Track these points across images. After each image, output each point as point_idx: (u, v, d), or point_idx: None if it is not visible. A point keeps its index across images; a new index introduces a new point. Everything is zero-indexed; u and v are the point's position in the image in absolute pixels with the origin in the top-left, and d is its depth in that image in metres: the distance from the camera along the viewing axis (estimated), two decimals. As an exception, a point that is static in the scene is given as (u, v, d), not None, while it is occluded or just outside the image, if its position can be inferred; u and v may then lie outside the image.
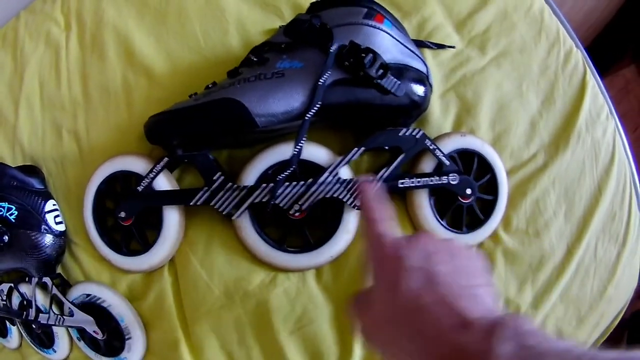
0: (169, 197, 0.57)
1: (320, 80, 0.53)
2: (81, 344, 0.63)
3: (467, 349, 0.32)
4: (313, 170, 0.56)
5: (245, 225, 0.56)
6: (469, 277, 0.38)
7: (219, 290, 0.58)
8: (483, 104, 0.64)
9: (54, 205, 0.62)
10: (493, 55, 0.66)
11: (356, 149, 0.56)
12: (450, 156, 0.59)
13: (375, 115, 0.56)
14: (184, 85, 0.61)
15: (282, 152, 0.56)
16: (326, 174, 0.55)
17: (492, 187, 0.61)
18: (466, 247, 0.42)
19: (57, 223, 0.61)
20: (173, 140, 0.56)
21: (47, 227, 0.60)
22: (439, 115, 0.62)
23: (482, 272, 0.40)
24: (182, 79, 0.62)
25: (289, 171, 0.55)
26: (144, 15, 0.65)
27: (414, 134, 0.57)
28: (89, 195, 0.60)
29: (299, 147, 0.55)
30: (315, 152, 0.57)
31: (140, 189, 0.57)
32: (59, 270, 0.63)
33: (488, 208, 0.61)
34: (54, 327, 0.62)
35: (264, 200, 0.55)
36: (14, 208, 0.60)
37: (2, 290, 0.65)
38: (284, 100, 0.53)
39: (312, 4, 0.58)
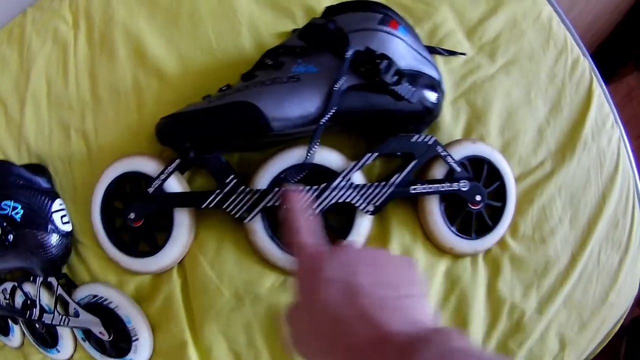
0: (180, 200, 0.56)
1: (336, 85, 0.53)
2: (86, 345, 0.62)
3: None
4: (326, 174, 0.56)
5: (257, 229, 0.56)
6: (395, 288, 0.37)
7: (229, 293, 0.58)
8: (493, 111, 0.64)
9: (60, 204, 0.61)
10: (502, 63, 0.66)
11: (369, 154, 0.56)
12: (460, 163, 0.59)
13: (389, 121, 0.56)
14: (196, 86, 0.61)
15: (296, 156, 0.56)
16: (339, 179, 0.55)
17: (500, 194, 0.62)
18: (397, 256, 0.41)
19: (63, 223, 0.61)
20: (185, 142, 0.56)
21: (53, 227, 0.60)
22: (450, 122, 0.63)
23: (411, 282, 0.39)
24: (193, 80, 0.62)
25: (302, 175, 0.55)
26: (155, 16, 0.64)
27: (426, 140, 0.57)
28: (97, 195, 0.59)
29: (313, 150, 0.54)
30: (328, 157, 0.57)
31: (151, 190, 0.56)
32: (64, 270, 0.63)
33: (496, 214, 0.62)
34: (58, 327, 0.62)
35: (276, 204, 0.55)
36: (19, 207, 0.59)
37: (5, 289, 0.64)
38: (299, 105, 0.53)
39: (327, 8, 0.58)
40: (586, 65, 0.69)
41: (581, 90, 0.68)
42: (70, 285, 0.62)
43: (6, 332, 0.66)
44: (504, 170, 0.62)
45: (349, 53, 0.53)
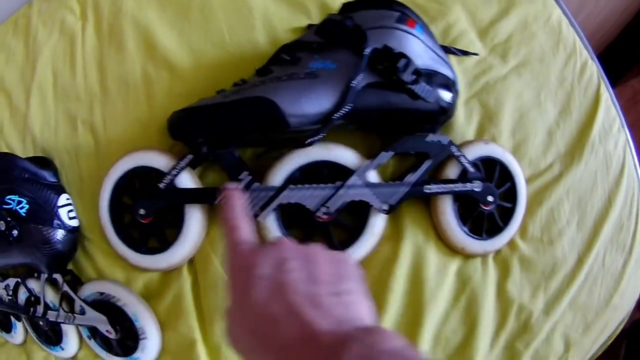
0: (192, 196, 0.55)
1: (353, 82, 0.52)
2: (92, 343, 0.61)
3: None
4: (340, 172, 0.56)
5: (270, 227, 0.56)
6: (329, 284, 0.37)
7: (240, 291, 0.57)
8: (504, 112, 0.64)
9: (67, 199, 0.60)
10: (514, 64, 0.66)
11: (385, 152, 0.56)
12: (473, 163, 0.59)
13: (405, 119, 0.56)
14: (208, 80, 0.60)
15: (311, 153, 0.55)
16: (354, 177, 0.55)
17: (511, 195, 0.62)
18: (333, 252, 0.41)
19: (70, 218, 0.59)
20: (198, 137, 0.55)
21: (59, 222, 0.58)
22: (463, 122, 0.63)
23: (346, 278, 0.38)
24: (205, 73, 0.61)
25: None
26: (165, 8, 0.63)
27: (441, 140, 0.57)
28: (105, 190, 0.58)
29: (318, 137, 0.54)
30: (343, 154, 0.56)
31: (162, 185, 0.55)
32: (70, 266, 0.61)
33: (507, 215, 0.62)
34: (62, 325, 0.60)
35: (291, 201, 0.54)
36: (24, 201, 0.58)
37: (8, 285, 0.63)
38: (317, 101, 0.52)
39: (343, 4, 0.58)
40: (594, 69, 0.70)
41: (589, 94, 0.69)
42: (76, 282, 0.61)
43: (8, 328, 0.65)
44: (516, 172, 0.62)
45: (367, 50, 0.53)
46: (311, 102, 0.52)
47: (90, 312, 0.58)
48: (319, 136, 0.53)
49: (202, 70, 0.61)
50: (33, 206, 0.58)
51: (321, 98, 0.53)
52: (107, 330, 0.58)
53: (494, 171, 0.61)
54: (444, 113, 0.57)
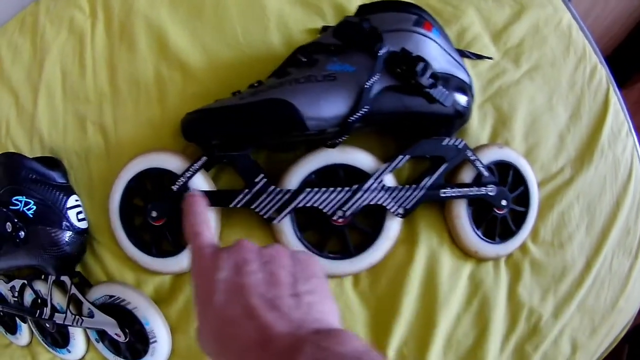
0: (207, 198, 0.54)
1: (367, 83, 0.52)
2: (100, 346, 0.60)
3: None
4: (357, 175, 0.55)
5: (286, 230, 0.55)
6: (289, 286, 0.36)
7: (254, 295, 0.57)
8: (518, 116, 0.64)
9: (76, 200, 0.59)
10: (527, 68, 0.66)
11: (401, 156, 0.55)
12: (488, 167, 0.59)
13: (421, 123, 0.56)
14: (221, 81, 0.60)
15: (327, 156, 0.55)
16: (371, 181, 0.55)
17: (523, 199, 0.62)
18: (295, 252, 0.40)
19: (79, 220, 0.58)
20: (213, 139, 0.54)
21: (68, 224, 0.57)
22: (477, 126, 0.63)
23: (309, 278, 0.38)
24: (219, 74, 0.60)
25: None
26: (177, 7, 0.62)
27: (456, 144, 0.57)
28: (116, 192, 0.57)
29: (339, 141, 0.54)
30: (359, 158, 0.56)
31: (175, 188, 0.55)
32: (78, 268, 0.60)
33: (519, 219, 0.62)
34: (70, 327, 0.59)
35: (307, 205, 0.54)
36: (32, 203, 0.56)
37: (13, 286, 0.62)
38: (335, 104, 0.52)
39: (360, 6, 0.57)
40: (603, 73, 0.70)
41: (599, 98, 0.69)
42: (85, 285, 0.60)
43: (13, 330, 0.64)
44: (529, 176, 0.62)
45: (382, 51, 0.52)
46: (329, 105, 0.52)
47: (99, 315, 0.57)
48: (341, 139, 0.53)
49: (215, 71, 0.61)
50: (41, 207, 0.57)
51: (340, 101, 0.52)
52: (116, 334, 0.57)
53: (508, 175, 0.61)
54: (460, 117, 0.57)
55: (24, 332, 0.63)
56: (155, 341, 0.57)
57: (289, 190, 0.54)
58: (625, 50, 1.25)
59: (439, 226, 0.60)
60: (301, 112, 0.51)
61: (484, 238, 0.60)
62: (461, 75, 0.57)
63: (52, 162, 0.60)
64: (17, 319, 0.63)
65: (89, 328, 0.59)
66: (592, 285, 0.67)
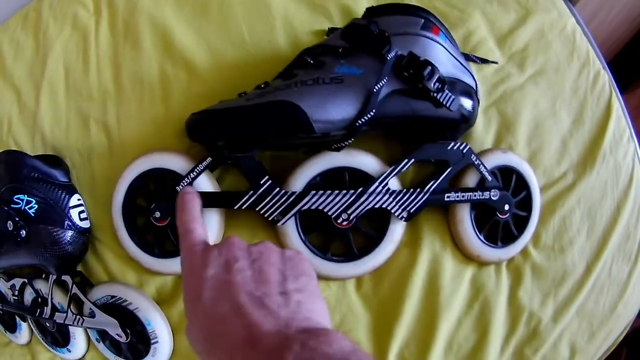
0: (212, 199, 0.54)
1: (376, 87, 0.52)
2: (100, 346, 0.60)
3: None
4: (362, 179, 0.55)
5: (290, 232, 0.55)
6: (278, 284, 0.36)
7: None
8: (521, 120, 0.65)
9: (79, 200, 0.58)
10: (531, 73, 0.66)
11: (406, 160, 0.55)
12: (491, 172, 0.59)
13: (427, 127, 0.56)
14: (226, 80, 0.59)
15: (332, 159, 0.55)
16: (376, 184, 0.55)
17: (526, 203, 0.62)
18: (284, 250, 0.40)
19: (81, 219, 0.58)
20: (218, 140, 0.54)
21: (70, 223, 0.57)
22: (482, 130, 0.63)
23: (296, 276, 0.38)
24: (224, 74, 0.60)
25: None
26: (182, 5, 0.62)
27: (461, 148, 0.57)
28: (119, 191, 0.57)
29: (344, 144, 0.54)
30: (365, 161, 0.56)
31: (179, 188, 0.54)
32: (79, 268, 0.60)
33: (521, 224, 0.62)
34: (70, 327, 0.59)
35: (312, 207, 0.54)
36: (33, 201, 0.56)
37: (13, 284, 0.61)
38: (342, 107, 0.52)
39: (367, 9, 0.57)
40: (606, 78, 0.71)
41: (601, 104, 0.70)
42: (86, 284, 0.59)
43: (13, 328, 0.63)
44: (531, 181, 0.62)
45: (390, 55, 0.52)
46: (337, 108, 0.52)
47: (100, 315, 0.57)
48: (346, 143, 0.53)
49: (221, 71, 0.60)
50: (43, 206, 0.56)
51: (347, 104, 0.52)
52: (117, 334, 0.57)
53: (511, 180, 0.61)
54: (466, 121, 0.57)
55: (24, 331, 0.63)
56: (156, 342, 0.57)
57: (294, 193, 0.54)
58: (628, 55, 1.26)
59: (442, 230, 0.60)
60: (308, 115, 0.51)
61: (486, 242, 0.60)
62: (467, 79, 0.57)
63: (55, 161, 0.60)
64: (16, 317, 0.63)
65: (90, 328, 0.59)
66: (592, 290, 0.68)
